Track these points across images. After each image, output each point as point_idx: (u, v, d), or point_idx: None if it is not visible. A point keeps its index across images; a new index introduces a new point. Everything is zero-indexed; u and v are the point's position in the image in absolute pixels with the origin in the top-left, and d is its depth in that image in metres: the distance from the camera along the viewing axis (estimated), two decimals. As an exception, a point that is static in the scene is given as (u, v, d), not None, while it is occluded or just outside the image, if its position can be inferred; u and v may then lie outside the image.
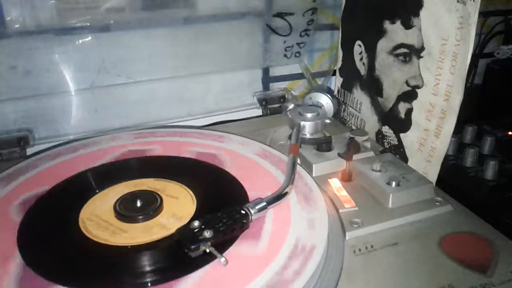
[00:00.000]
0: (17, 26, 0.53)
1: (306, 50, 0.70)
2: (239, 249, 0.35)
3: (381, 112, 0.58)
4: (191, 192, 0.42)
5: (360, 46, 0.60)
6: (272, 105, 0.70)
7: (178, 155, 0.49)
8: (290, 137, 0.53)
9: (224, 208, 0.36)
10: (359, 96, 0.62)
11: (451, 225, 0.41)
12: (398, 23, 0.52)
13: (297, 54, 0.70)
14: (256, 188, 0.42)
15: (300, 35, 0.68)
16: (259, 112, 0.71)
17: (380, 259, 0.38)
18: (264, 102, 0.70)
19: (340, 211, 0.42)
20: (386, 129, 0.57)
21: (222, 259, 0.32)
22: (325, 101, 0.60)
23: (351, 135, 0.54)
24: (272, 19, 0.65)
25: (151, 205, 0.40)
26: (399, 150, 0.54)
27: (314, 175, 0.49)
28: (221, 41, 0.64)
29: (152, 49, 0.61)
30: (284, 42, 0.68)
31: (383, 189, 0.44)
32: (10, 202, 0.41)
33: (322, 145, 0.52)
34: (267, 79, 0.71)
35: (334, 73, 0.69)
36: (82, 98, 0.60)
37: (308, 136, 0.54)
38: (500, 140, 0.57)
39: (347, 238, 0.40)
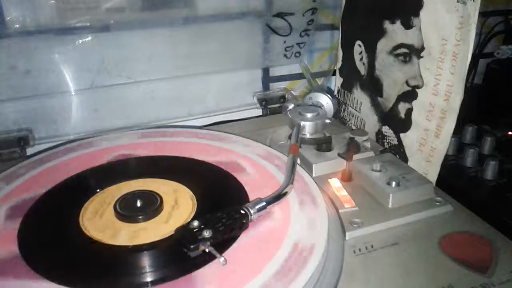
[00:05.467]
0: (17, 26, 0.53)
1: (306, 50, 0.70)
2: (238, 248, 0.35)
3: (381, 112, 0.58)
4: (191, 192, 0.42)
5: (360, 46, 0.60)
6: (272, 105, 0.70)
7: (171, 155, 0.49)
8: (290, 137, 0.53)
9: (223, 207, 0.36)
10: (359, 96, 0.62)
11: (451, 225, 0.41)
12: (398, 23, 0.52)
13: (297, 54, 0.70)
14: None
15: (300, 35, 0.68)
16: (259, 112, 0.71)
17: (380, 259, 0.38)
18: (264, 102, 0.70)
19: (340, 211, 0.42)
20: (386, 129, 0.57)
21: (222, 259, 0.32)
22: (325, 101, 0.60)
23: (351, 135, 0.54)
24: (272, 19, 0.65)
25: (151, 205, 0.40)
26: (399, 150, 0.54)
27: (314, 175, 0.49)
28: (221, 41, 0.64)
29: (152, 49, 0.61)
30: (284, 42, 0.68)
31: (383, 189, 0.44)
32: (11, 202, 0.41)
33: (322, 145, 0.52)
34: (267, 79, 0.71)
35: (334, 73, 0.69)
36: (82, 98, 0.60)
37: (308, 136, 0.54)
38: (500, 140, 0.57)
39: (347, 238, 0.40)
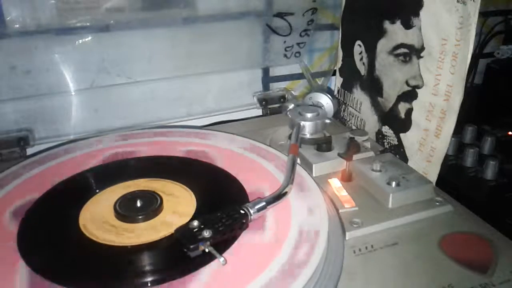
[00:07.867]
0: (17, 26, 0.53)
1: (306, 50, 0.70)
2: (238, 248, 0.35)
3: (381, 112, 0.58)
4: (190, 192, 0.42)
5: (360, 46, 0.60)
6: (272, 105, 0.70)
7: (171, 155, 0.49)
8: (290, 137, 0.53)
9: (223, 207, 0.36)
10: (359, 96, 0.62)
11: (451, 225, 0.41)
12: (398, 23, 0.52)
13: (297, 54, 0.70)
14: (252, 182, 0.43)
15: (300, 35, 0.68)
16: (259, 112, 0.71)
17: (380, 259, 0.38)
18: (264, 102, 0.70)
19: (340, 211, 0.42)
20: (386, 129, 0.57)
21: (221, 259, 0.32)
22: (325, 101, 0.60)
23: (351, 135, 0.54)
24: (272, 19, 0.65)
25: (151, 205, 0.40)
26: (399, 150, 0.54)
27: (314, 175, 0.49)
28: (221, 41, 0.64)
29: (152, 49, 0.61)
30: (284, 42, 0.68)
31: (383, 189, 0.44)
32: (11, 202, 0.41)
33: (322, 145, 0.52)
34: (267, 79, 0.71)
35: (334, 73, 0.69)
36: (82, 98, 0.60)
37: (308, 136, 0.54)
38: (500, 140, 0.57)
39: (347, 238, 0.40)
